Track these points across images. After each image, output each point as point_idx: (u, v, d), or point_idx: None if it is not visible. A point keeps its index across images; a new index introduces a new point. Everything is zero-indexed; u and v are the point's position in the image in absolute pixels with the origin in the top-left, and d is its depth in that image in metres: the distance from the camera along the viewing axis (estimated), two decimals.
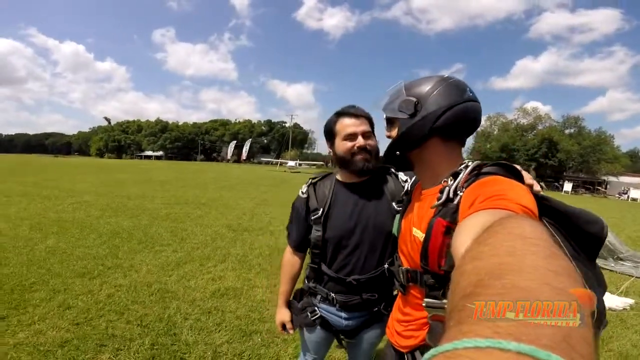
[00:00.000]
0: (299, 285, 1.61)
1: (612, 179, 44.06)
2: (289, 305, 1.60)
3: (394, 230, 1.21)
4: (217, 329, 2.87)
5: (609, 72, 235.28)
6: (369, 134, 1.36)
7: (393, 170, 1.43)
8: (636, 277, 5.02)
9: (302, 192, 1.49)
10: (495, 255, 0.32)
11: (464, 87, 0.95)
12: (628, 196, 36.25)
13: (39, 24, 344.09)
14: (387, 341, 1.15)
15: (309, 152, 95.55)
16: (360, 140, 1.33)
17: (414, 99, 0.94)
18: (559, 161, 44.78)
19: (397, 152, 1.03)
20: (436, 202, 0.85)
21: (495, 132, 53.39)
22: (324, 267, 1.43)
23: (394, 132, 1.01)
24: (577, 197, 33.78)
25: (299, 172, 39.71)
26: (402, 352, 1.05)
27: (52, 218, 6.94)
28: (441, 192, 0.85)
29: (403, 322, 1.06)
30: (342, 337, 1.55)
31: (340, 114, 1.38)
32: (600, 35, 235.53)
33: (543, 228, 0.38)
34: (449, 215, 0.81)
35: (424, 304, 0.89)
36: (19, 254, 4.51)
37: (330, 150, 1.43)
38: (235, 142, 70.18)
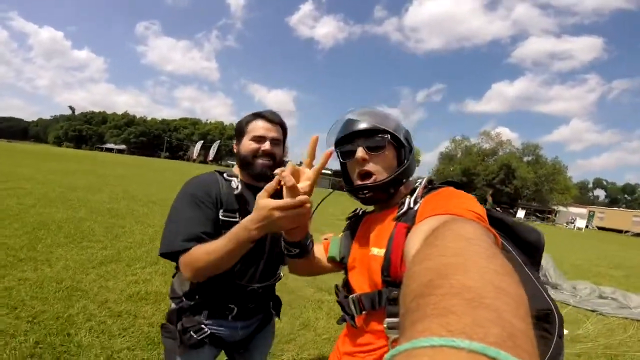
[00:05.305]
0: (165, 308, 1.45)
1: (561, 208, 46.66)
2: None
3: (333, 255, 1.10)
4: (122, 334, 2.64)
5: (576, 100, 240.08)
6: (277, 142, 1.32)
7: None
8: (573, 305, 5.00)
9: (234, 181, 1.29)
10: (443, 256, 0.33)
11: None
12: (574, 226, 38.61)
13: (20, 8, 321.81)
14: None
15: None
16: (266, 145, 1.28)
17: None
18: (514, 188, 46.94)
19: (404, 180, 1.02)
20: (397, 214, 0.93)
21: (458, 155, 55.18)
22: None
23: (388, 158, 0.98)
24: (529, 224, 35.23)
25: None
26: None
27: None
28: (401, 204, 0.94)
29: (359, 353, 0.94)
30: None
31: (256, 115, 1.33)
32: (578, 63, 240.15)
33: (483, 230, 0.40)
34: (409, 219, 0.88)
35: (385, 325, 0.83)
36: None
37: (235, 148, 1.36)
38: (202, 142, 68.39)
